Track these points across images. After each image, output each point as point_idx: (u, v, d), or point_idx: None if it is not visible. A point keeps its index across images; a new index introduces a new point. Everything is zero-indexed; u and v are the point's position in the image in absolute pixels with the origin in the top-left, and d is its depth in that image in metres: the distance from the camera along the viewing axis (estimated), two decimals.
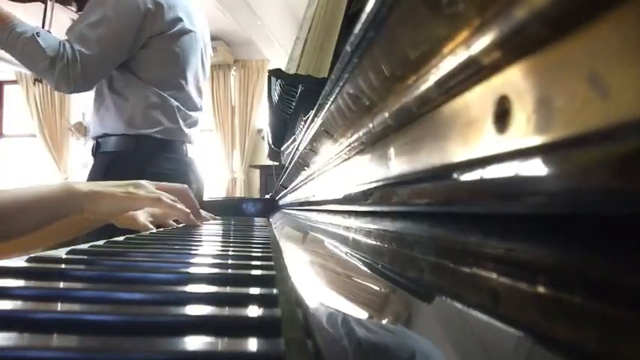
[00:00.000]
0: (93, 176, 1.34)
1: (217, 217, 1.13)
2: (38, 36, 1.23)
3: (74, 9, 1.51)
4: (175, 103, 1.41)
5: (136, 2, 1.30)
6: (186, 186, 0.90)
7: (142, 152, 1.35)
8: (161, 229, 0.84)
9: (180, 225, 0.92)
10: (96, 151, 1.40)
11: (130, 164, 1.33)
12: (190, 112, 1.47)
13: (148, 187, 0.80)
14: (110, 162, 1.34)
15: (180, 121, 1.43)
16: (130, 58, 1.34)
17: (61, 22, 1.48)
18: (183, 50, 1.41)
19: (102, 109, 1.39)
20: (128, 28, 1.29)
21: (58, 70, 1.23)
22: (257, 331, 0.21)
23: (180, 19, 1.38)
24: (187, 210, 0.82)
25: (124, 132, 1.35)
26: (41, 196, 0.68)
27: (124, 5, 1.29)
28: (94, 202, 0.72)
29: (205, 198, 1.64)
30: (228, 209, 1.68)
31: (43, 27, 1.41)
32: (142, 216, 0.83)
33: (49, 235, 0.71)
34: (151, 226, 0.84)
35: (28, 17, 1.30)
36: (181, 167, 1.43)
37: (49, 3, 1.46)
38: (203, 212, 1.01)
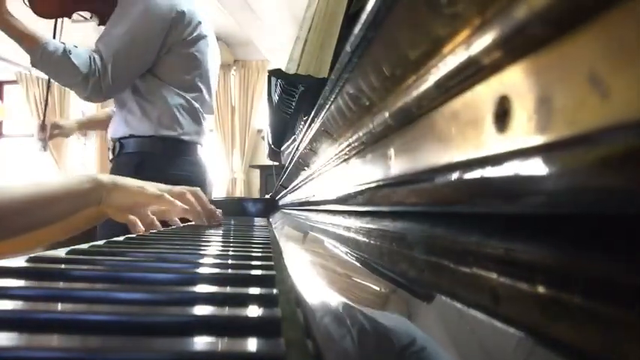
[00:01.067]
0: (120, 175, 1.36)
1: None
2: (70, 53, 1.26)
3: (95, 22, 1.53)
4: (197, 105, 1.44)
5: (161, 12, 1.33)
6: (198, 188, 0.91)
7: (167, 154, 1.38)
8: (162, 229, 0.84)
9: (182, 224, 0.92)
10: (119, 151, 1.42)
11: (157, 165, 1.36)
12: (207, 115, 1.51)
13: (160, 186, 0.81)
14: (139, 162, 1.36)
15: (202, 123, 1.47)
16: (153, 63, 1.37)
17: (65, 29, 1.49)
18: (202, 54, 1.44)
19: (124, 111, 1.41)
20: (154, 37, 1.33)
21: (91, 85, 1.28)
22: (257, 331, 0.21)
23: (199, 23, 1.42)
24: (186, 207, 0.83)
25: (152, 134, 1.38)
26: (68, 187, 0.70)
27: (150, 16, 1.32)
28: (112, 194, 0.74)
29: None
30: (228, 209, 1.68)
31: (54, 36, 1.44)
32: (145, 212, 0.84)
33: (57, 231, 0.72)
34: (157, 222, 0.83)
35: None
36: (198, 169, 1.46)
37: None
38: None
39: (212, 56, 1.51)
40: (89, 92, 1.29)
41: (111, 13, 1.35)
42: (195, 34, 1.41)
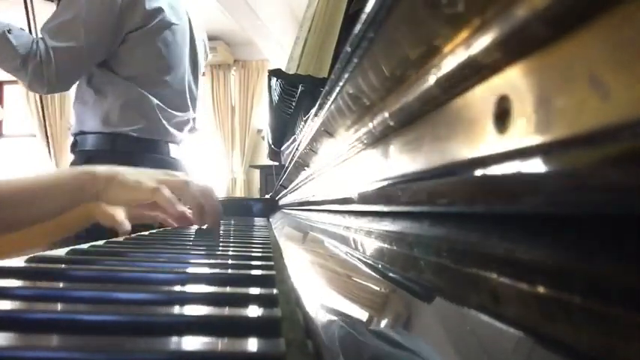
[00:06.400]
0: None
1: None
2: (9, 33, 1.17)
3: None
4: (155, 102, 1.34)
5: None
6: (189, 179, 0.76)
7: (119, 151, 1.29)
8: (161, 229, 0.84)
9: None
10: (74, 149, 1.36)
11: (108, 163, 1.27)
12: (176, 112, 1.40)
13: (158, 174, 0.73)
14: (87, 160, 1.28)
15: (163, 120, 1.36)
16: (109, 55, 1.29)
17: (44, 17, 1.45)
18: (167, 45, 1.33)
19: (80, 106, 1.34)
20: (104, 23, 1.24)
21: (30, 69, 1.19)
22: (257, 331, 0.21)
23: (161, 10, 1.31)
24: (182, 211, 0.74)
25: (100, 130, 1.30)
26: (59, 181, 0.66)
27: (98, 1, 1.23)
28: (108, 190, 0.68)
29: None
30: (228, 209, 1.68)
31: (28, 22, 1.38)
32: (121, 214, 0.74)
33: (52, 230, 0.67)
34: (127, 226, 0.72)
35: (8, 11, 1.26)
36: (163, 167, 1.38)
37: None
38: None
39: (186, 48, 1.40)
40: (30, 78, 1.19)
41: None
42: (156, 21, 1.29)
